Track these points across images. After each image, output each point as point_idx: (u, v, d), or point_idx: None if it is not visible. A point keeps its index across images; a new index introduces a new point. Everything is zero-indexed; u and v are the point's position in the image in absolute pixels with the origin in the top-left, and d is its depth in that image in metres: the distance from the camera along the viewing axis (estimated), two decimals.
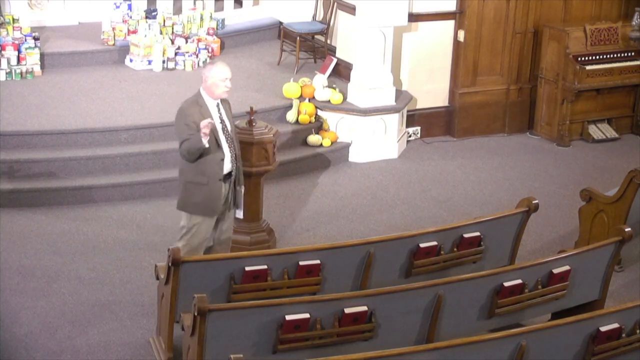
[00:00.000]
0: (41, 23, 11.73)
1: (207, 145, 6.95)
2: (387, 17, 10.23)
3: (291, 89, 10.53)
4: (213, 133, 7.01)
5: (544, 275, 6.75)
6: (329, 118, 10.54)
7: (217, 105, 7.18)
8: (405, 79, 11.08)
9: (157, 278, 6.75)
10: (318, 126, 10.50)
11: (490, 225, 7.33)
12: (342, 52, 11.32)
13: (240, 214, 7.50)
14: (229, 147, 7.18)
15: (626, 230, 7.01)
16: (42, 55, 10.88)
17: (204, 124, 6.88)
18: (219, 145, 7.10)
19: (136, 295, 7.63)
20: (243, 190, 7.42)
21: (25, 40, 10.78)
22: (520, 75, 11.53)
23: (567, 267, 6.80)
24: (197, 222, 7.22)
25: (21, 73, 10.67)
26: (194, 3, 11.99)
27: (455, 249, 7.16)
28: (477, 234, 7.20)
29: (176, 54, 11.33)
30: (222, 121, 7.18)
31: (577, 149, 11.29)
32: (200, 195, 7.15)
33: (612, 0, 11.79)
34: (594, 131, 11.49)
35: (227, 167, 7.19)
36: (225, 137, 7.17)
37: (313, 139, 10.33)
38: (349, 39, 10.94)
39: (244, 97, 10.46)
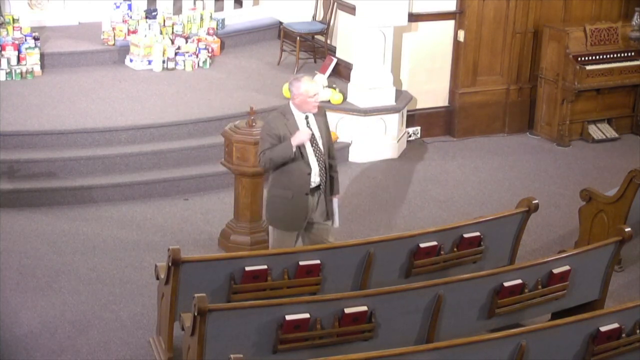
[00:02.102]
0: (41, 23, 11.73)
1: (292, 156, 6.92)
2: (387, 17, 10.23)
3: None
4: (298, 147, 6.97)
5: (544, 275, 6.75)
6: (329, 118, 10.52)
7: (306, 118, 7.08)
8: (405, 79, 11.08)
9: (157, 278, 6.75)
10: None
11: (490, 225, 7.32)
12: (342, 52, 11.32)
13: (336, 222, 7.34)
14: (317, 160, 7.07)
15: (626, 230, 7.01)
16: (42, 55, 10.88)
17: (302, 136, 6.90)
18: (304, 158, 7.01)
19: (136, 295, 7.63)
20: (336, 200, 7.29)
21: (25, 40, 10.78)
22: (520, 75, 11.53)
23: (567, 267, 6.80)
24: (281, 237, 7.19)
25: (21, 73, 10.67)
26: (194, 3, 11.99)
27: (455, 249, 7.15)
28: (477, 234, 7.20)
29: (176, 54, 11.33)
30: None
31: (577, 149, 11.29)
32: (284, 210, 7.09)
33: (612, 0, 11.79)
34: (594, 131, 11.49)
35: (315, 180, 7.10)
36: (314, 150, 7.06)
37: None
38: (349, 39, 10.94)
39: (244, 97, 10.47)
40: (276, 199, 7.12)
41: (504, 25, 11.25)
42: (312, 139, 7.07)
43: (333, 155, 7.30)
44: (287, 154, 6.94)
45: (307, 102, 7.02)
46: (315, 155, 7.07)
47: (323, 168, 7.12)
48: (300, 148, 6.99)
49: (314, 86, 7.05)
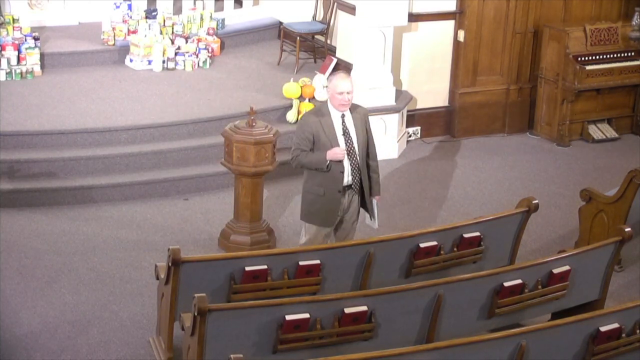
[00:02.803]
0: (41, 23, 11.73)
1: (325, 169, 7.02)
2: (387, 17, 10.23)
3: (291, 89, 10.53)
4: (331, 145, 7.02)
5: (544, 275, 6.75)
6: None
7: (342, 116, 7.10)
8: (405, 79, 11.08)
9: (157, 278, 6.75)
10: None
11: (490, 225, 7.32)
12: (342, 52, 11.32)
13: (374, 223, 7.39)
14: (350, 160, 7.10)
15: (626, 230, 7.01)
16: (42, 55, 10.88)
17: (338, 153, 6.96)
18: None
19: (136, 295, 7.63)
20: (375, 201, 7.34)
21: (25, 40, 10.78)
22: (520, 75, 11.53)
23: (567, 267, 6.80)
24: (313, 232, 7.26)
25: (21, 73, 10.67)
26: (194, 3, 11.99)
27: (455, 249, 7.15)
28: (477, 234, 7.20)
29: (176, 54, 11.33)
30: (344, 133, 7.10)
31: (577, 149, 11.29)
32: (317, 206, 7.17)
33: (612, 0, 11.79)
34: (594, 131, 11.49)
35: (348, 179, 7.14)
36: (347, 150, 7.09)
37: None
38: (349, 39, 10.93)
39: (244, 97, 10.47)
40: (309, 195, 7.22)
41: (504, 25, 11.25)
42: (347, 138, 7.11)
43: (374, 156, 7.32)
44: (320, 166, 7.05)
45: (335, 98, 7.06)
46: (349, 155, 7.11)
47: (356, 168, 7.16)
48: (334, 147, 7.04)
49: (344, 84, 7.02)
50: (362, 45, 10.39)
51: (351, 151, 7.12)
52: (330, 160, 7.04)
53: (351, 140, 7.12)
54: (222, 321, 5.89)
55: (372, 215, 7.36)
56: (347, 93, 7.02)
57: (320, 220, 7.22)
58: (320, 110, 7.17)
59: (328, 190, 7.12)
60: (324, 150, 7.04)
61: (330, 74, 7.22)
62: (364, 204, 7.36)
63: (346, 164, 7.11)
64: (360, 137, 7.16)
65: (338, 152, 7.02)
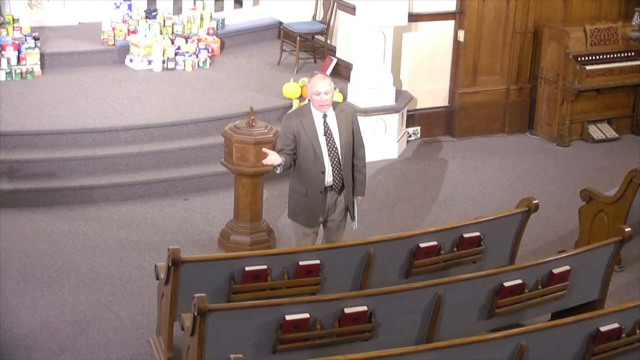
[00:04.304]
0: (41, 23, 11.73)
1: (278, 172, 7.01)
2: (387, 17, 10.23)
3: (291, 89, 10.53)
4: (312, 145, 6.99)
5: (544, 275, 6.75)
6: None
7: (324, 117, 7.06)
8: (405, 79, 11.08)
9: (157, 278, 6.75)
10: None
11: (490, 225, 7.32)
12: (342, 52, 11.32)
13: (353, 224, 7.36)
14: (330, 160, 7.07)
15: (626, 230, 7.00)
16: (42, 55, 10.89)
17: (268, 159, 6.91)
18: (317, 158, 7.02)
19: (136, 295, 7.63)
20: (357, 201, 7.30)
21: (25, 40, 10.79)
22: (520, 75, 11.54)
23: (567, 267, 6.80)
24: (298, 232, 7.27)
25: (21, 73, 10.67)
26: (194, 3, 11.99)
27: (455, 249, 7.15)
28: (477, 234, 7.19)
29: (176, 54, 11.33)
30: (326, 133, 7.05)
31: (577, 149, 11.29)
32: (300, 205, 7.16)
33: (612, 0, 11.80)
34: (594, 131, 11.49)
35: (329, 179, 7.10)
36: (328, 150, 7.05)
37: None
38: (349, 39, 10.94)
39: (244, 97, 10.47)
40: (293, 194, 7.22)
41: (504, 25, 11.25)
42: (329, 138, 7.07)
43: (359, 155, 7.28)
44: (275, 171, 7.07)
45: (313, 99, 7.05)
46: (330, 155, 7.08)
47: (338, 168, 7.11)
48: (315, 147, 7.01)
49: (321, 84, 6.98)
50: (362, 45, 10.39)
51: (333, 151, 7.08)
52: (308, 153, 6.99)
53: (333, 141, 7.08)
54: (222, 321, 5.89)
55: (352, 216, 7.32)
56: (325, 94, 6.97)
57: (304, 220, 7.20)
58: (302, 111, 7.15)
59: (310, 190, 7.09)
60: (306, 150, 7.01)
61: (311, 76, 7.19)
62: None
63: (327, 164, 7.06)
64: (344, 137, 7.11)
65: (268, 158, 6.93)
